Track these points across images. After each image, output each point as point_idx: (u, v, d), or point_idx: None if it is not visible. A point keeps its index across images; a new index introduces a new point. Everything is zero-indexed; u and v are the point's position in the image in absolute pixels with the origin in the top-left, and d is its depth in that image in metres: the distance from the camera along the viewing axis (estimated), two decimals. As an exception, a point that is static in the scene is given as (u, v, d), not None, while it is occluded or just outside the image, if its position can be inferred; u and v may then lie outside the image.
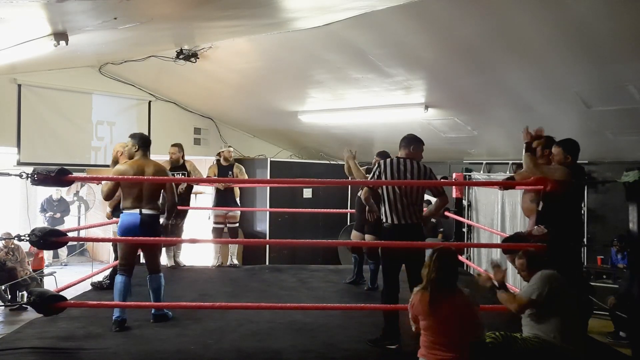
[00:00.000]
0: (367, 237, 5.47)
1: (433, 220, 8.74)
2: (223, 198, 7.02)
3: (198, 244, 10.05)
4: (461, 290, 3.11)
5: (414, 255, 4.04)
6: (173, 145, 6.70)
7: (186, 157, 6.85)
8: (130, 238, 4.33)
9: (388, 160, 4.16)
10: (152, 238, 4.37)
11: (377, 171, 4.13)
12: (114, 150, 5.71)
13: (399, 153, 4.26)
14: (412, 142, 4.23)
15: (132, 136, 4.56)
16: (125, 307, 4.23)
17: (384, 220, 4.10)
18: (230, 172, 6.92)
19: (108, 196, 4.66)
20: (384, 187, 4.07)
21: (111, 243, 6.72)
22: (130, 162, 4.41)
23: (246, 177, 7.31)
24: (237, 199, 7.24)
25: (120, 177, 4.28)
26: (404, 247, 4.03)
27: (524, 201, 4.75)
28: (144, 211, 4.30)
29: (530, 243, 3.95)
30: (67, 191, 11.70)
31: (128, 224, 4.30)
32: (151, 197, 4.36)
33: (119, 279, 4.31)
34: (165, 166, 6.62)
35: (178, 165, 6.64)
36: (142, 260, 5.06)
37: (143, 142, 4.48)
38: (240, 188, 7.45)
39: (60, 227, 7.72)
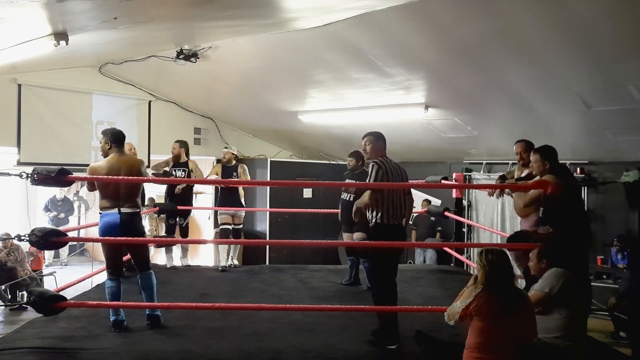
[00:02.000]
0: (357, 235, 5.50)
1: (432, 218, 8.76)
2: (230, 198, 6.85)
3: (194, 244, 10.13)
4: (519, 288, 3.09)
5: (400, 255, 4.25)
6: (176, 141, 6.74)
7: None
8: (131, 239, 4.25)
9: (385, 160, 4.10)
10: (154, 239, 4.34)
11: (380, 172, 4.00)
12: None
13: (372, 154, 4.18)
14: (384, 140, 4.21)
15: (104, 133, 4.38)
16: (123, 307, 4.22)
17: (376, 220, 4.01)
18: (234, 173, 6.86)
19: (93, 187, 4.43)
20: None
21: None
22: (106, 160, 4.26)
23: (249, 177, 7.24)
24: (242, 200, 7.14)
25: (121, 177, 4.22)
26: (397, 247, 4.10)
27: (515, 203, 4.77)
28: (123, 210, 4.17)
29: (535, 241, 3.97)
30: (67, 191, 11.71)
31: (108, 224, 4.16)
32: (130, 195, 4.22)
33: (108, 283, 4.21)
34: (170, 161, 6.64)
35: (179, 162, 6.64)
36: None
37: (115, 138, 4.30)
38: (243, 188, 7.38)
39: (64, 227, 7.73)
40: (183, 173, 6.61)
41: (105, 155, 4.34)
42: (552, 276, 3.42)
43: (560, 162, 4.39)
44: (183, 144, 6.72)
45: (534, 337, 3.15)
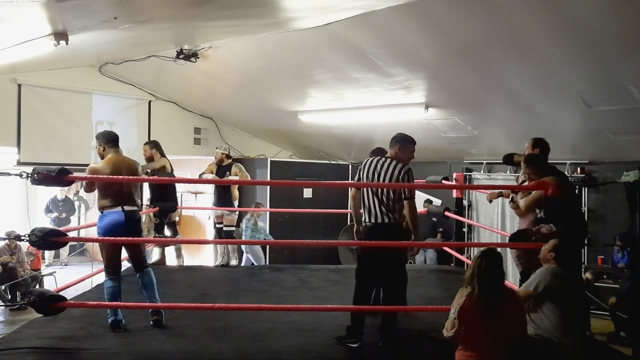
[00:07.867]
0: None
1: (434, 219, 8.74)
2: (220, 198, 6.86)
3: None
4: (510, 289, 3.13)
5: (388, 254, 3.98)
6: (145, 143, 6.74)
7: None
8: (134, 239, 4.29)
9: (367, 160, 4.14)
10: (156, 239, 4.34)
11: (358, 171, 4.21)
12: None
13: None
14: (398, 142, 4.12)
15: (97, 137, 4.41)
16: (124, 308, 4.21)
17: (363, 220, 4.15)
18: (227, 172, 6.82)
19: (90, 188, 4.47)
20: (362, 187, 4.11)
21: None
22: (106, 160, 4.28)
23: (247, 176, 7.18)
24: (236, 202, 7.06)
25: (121, 177, 4.23)
26: (376, 247, 3.97)
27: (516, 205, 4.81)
28: (126, 208, 4.21)
29: (537, 239, 3.99)
30: (67, 191, 11.70)
31: (113, 222, 4.17)
32: (131, 194, 4.30)
33: (109, 283, 4.20)
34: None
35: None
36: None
37: (109, 140, 4.34)
38: (240, 188, 7.30)
39: (64, 227, 7.71)
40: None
41: (102, 157, 4.37)
42: (539, 275, 3.47)
43: (560, 162, 4.44)
44: (154, 145, 6.62)
45: (523, 334, 3.21)
